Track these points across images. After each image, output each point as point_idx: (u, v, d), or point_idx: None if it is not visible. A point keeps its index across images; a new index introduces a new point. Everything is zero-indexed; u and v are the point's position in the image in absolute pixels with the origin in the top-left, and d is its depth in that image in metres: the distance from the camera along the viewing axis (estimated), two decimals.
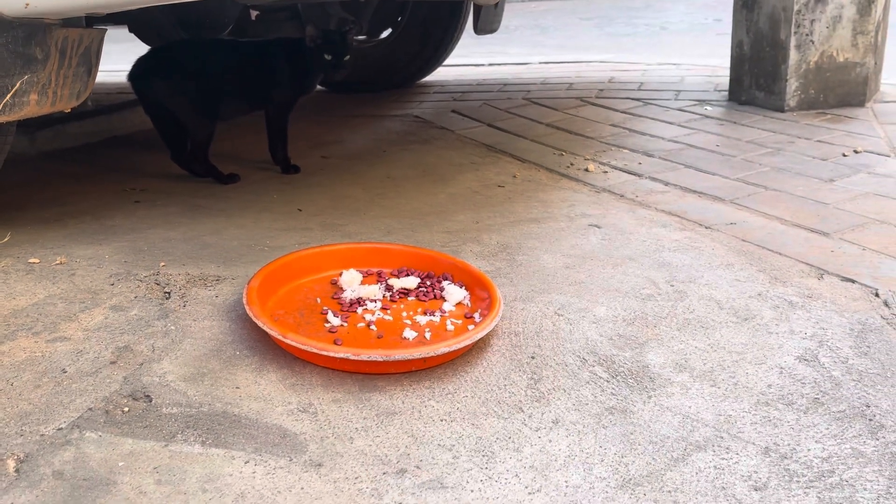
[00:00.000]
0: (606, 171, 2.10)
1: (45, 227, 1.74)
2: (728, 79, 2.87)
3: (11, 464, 0.94)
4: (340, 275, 1.41)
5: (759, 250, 1.55)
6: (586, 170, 2.11)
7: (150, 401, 1.07)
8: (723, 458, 0.94)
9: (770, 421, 1.01)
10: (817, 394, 1.07)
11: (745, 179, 1.98)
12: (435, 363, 1.15)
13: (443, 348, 1.12)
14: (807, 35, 2.54)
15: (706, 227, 1.68)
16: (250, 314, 1.20)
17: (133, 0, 1.48)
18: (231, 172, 2.09)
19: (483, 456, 0.96)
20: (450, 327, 1.25)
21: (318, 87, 2.48)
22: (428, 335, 1.22)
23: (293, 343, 1.13)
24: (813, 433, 0.99)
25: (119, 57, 2.86)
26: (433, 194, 1.95)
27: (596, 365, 1.15)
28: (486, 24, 2.92)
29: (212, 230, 1.71)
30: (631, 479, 0.91)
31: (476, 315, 1.28)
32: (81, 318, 1.30)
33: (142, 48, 2.22)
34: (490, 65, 4.04)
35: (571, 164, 2.17)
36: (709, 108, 2.74)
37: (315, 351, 1.11)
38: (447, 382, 1.11)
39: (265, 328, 1.17)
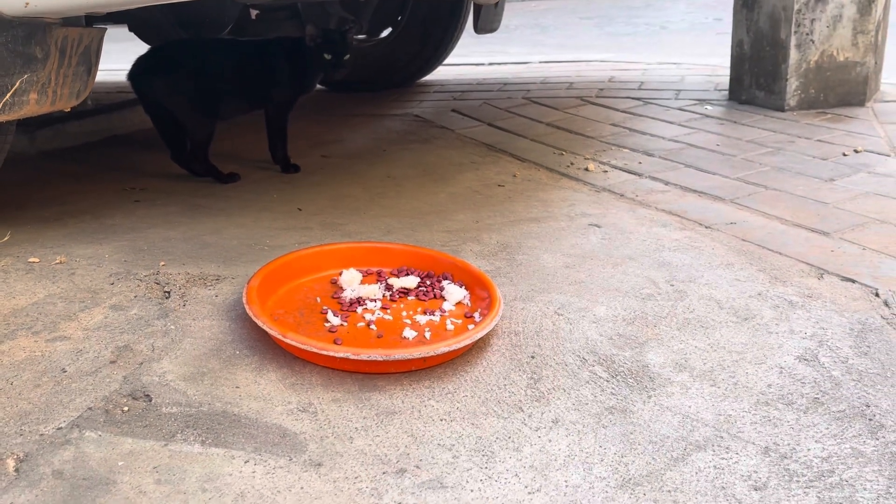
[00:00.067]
0: (606, 171, 2.10)
1: (45, 227, 1.74)
2: (728, 78, 2.87)
3: (11, 463, 0.94)
4: (340, 274, 1.40)
5: (759, 250, 1.55)
6: (586, 169, 2.11)
7: (150, 400, 1.07)
8: (723, 458, 0.94)
9: (770, 421, 1.01)
10: (817, 394, 1.07)
11: (745, 179, 1.98)
12: (435, 363, 1.15)
13: (443, 348, 1.12)
14: (807, 34, 2.54)
15: (706, 227, 1.68)
16: (250, 313, 1.20)
17: None
18: (231, 172, 2.09)
19: (483, 455, 0.96)
20: (450, 327, 1.25)
21: (318, 86, 2.48)
22: (428, 335, 1.22)
23: (293, 342, 1.13)
24: (813, 433, 0.99)
25: (119, 56, 2.86)
26: (433, 193, 1.95)
27: (596, 364, 1.15)
28: (486, 23, 2.92)
29: (212, 229, 1.71)
30: (631, 479, 0.91)
31: (476, 315, 1.28)
32: (81, 318, 1.30)
33: (141, 47, 2.22)
34: (490, 64, 4.04)
35: (571, 164, 2.17)
36: (709, 107, 2.74)
37: (315, 350, 1.11)
38: (447, 382, 1.11)
39: (265, 328, 1.17)
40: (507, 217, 1.77)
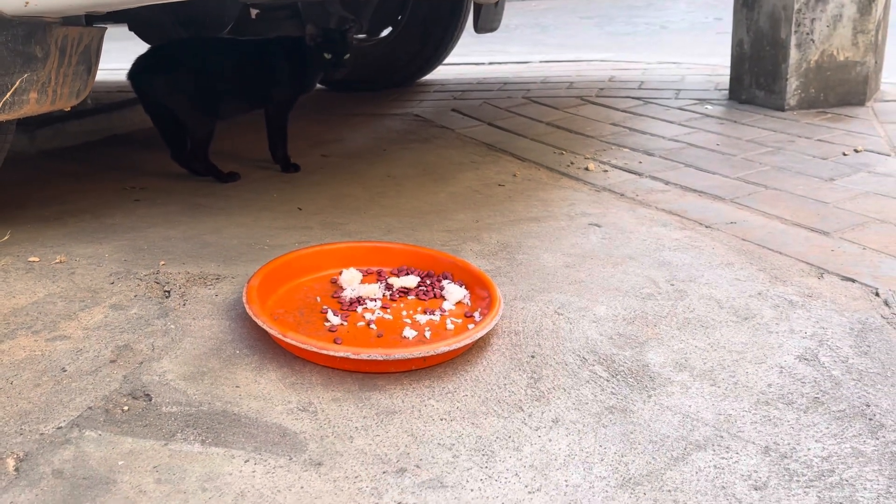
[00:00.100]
0: (607, 170, 2.10)
1: (45, 226, 1.74)
2: (728, 78, 2.87)
3: (11, 463, 0.94)
4: (340, 274, 1.40)
5: (759, 249, 1.55)
6: (586, 169, 2.11)
7: (150, 400, 1.07)
8: (723, 458, 0.94)
9: (770, 420, 1.01)
10: (817, 393, 1.07)
11: (745, 178, 1.98)
12: (435, 362, 1.15)
13: (443, 347, 1.12)
14: (807, 34, 2.54)
15: (706, 227, 1.68)
16: (250, 313, 1.20)
17: None
18: (231, 171, 2.09)
19: (483, 455, 0.96)
20: (450, 326, 1.25)
21: (318, 85, 2.48)
22: (428, 334, 1.22)
23: (293, 342, 1.13)
24: (813, 432, 0.99)
25: (119, 55, 2.86)
26: (433, 193, 1.95)
27: (596, 364, 1.15)
28: (487, 22, 2.92)
29: (212, 229, 1.71)
30: (631, 479, 0.91)
31: (476, 314, 1.28)
32: (81, 317, 1.30)
33: (141, 46, 2.21)
34: (490, 63, 4.04)
35: (572, 163, 2.17)
36: (709, 107, 2.74)
37: (315, 350, 1.11)
38: (447, 381, 1.11)
39: (265, 327, 1.17)
40: (508, 216, 1.77)
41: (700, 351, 1.18)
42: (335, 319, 1.26)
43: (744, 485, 0.90)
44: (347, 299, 1.33)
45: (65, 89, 1.49)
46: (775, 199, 1.82)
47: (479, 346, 1.20)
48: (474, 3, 2.86)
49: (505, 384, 1.10)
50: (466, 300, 1.33)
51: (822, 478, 0.91)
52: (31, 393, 1.08)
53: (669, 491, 0.89)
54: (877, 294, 1.34)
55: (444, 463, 0.94)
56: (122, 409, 1.05)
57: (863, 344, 1.19)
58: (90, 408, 1.05)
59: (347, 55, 2.03)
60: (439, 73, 3.62)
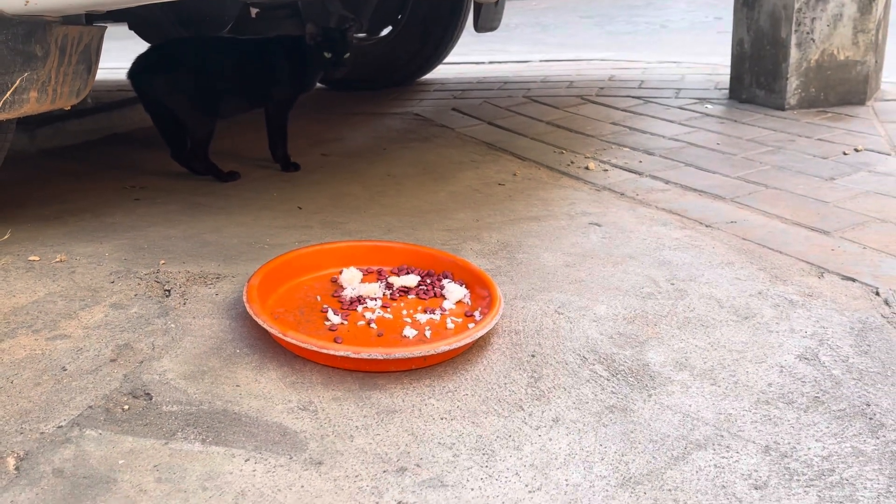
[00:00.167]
0: (607, 170, 2.10)
1: (45, 225, 1.74)
2: (728, 77, 2.87)
3: (11, 462, 0.94)
4: (341, 273, 1.40)
5: (759, 249, 1.55)
6: (587, 168, 2.11)
7: (151, 399, 1.07)
8: (723, 457, 0.94)
9: (770, 419, 1.01)
10: (818, 392, 1.07)
11: (745, 178, 1.98)
12: (435, 361, 1.15)
13: (443, 346, 1.12)
14: (807, 33, 2.54)
15: (706, 226, 1.68)
16: (250, 312, 1.20)
17: None
18: (231, 170, 2.09)
19: (483, 454, 0.96)
20: (450, 325, 1.25)
21: (318, 84, 2.48)
22: (428, 333, 1.22)
23: (293, 341, 1.13)
24: (813, 432, 0.99)
25: (119, 54, 2.86)
26: (433, 192, 1.95)
27: (596, 363, 1.15)
28: (487, 21, 2.92)
29: (212, 228, 1.71)
30: (631, 478, 0.91)
31: (476, 313, 1.28)
32: (81, 316, 1.30)
33: (141, 46, 2.21)
34: (490, 63, 4.04)
35: (572, 163, 2.16)
36: (709, 106, 2.74)
37: (315, 349, 1.11)
38: (447, 381, 1.11)
39: (265, 326, 1.17)
40: (508, 216, 1.77)
41: (700, 350, 1.18)
42: (335, 318, 1.26)
43: (744, 484, 0.90)
44: (348, 298, 1.33)
45: (65, 88, 1.49)
46: (775, 198, 1.82)
47: (479, 345, 1.20)
48: (474, 2, 2.86)
49: (505, 383, 1.10)
50: (467, 299, 1.33)
51: (823, 477, 0.91)
52: (32, 392, 1.08)
53: (670, 490, 0.89)
54: (877, 293, 1.34)
55: (444, 462, 0.94)
56: (123, 408, 1.05)
57: (863, 343, 1.19)
58: (90, 407, 1.05)
59: (347, 54, 2.03)
60: (439, 73, 3.61)
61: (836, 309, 1.29)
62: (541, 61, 3.98)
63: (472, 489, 0.90)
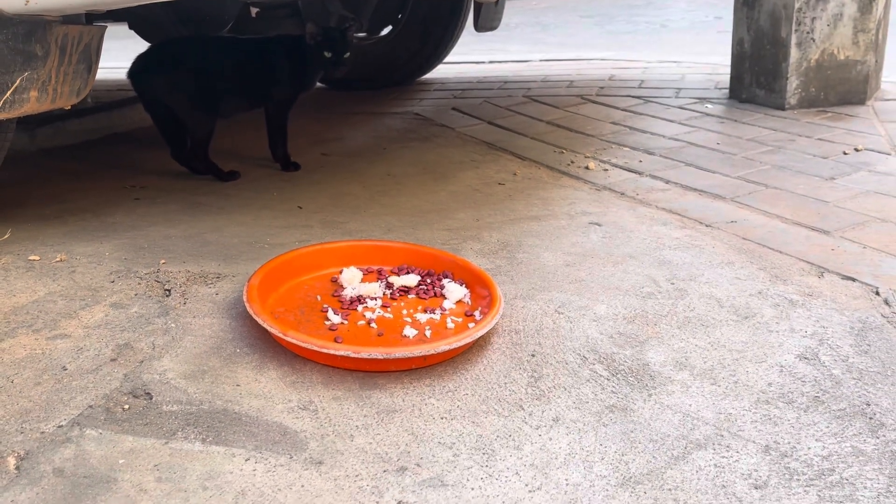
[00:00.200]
0: (607, 169, 2.10)
1: (46, 225, 1.74)
2: (729, 77, 2.87)
3: (12, 461, 0.94)
4: (341, 272, 1.41)
5: (759, 248, 1.55)
6: (587, 168, 2.11)
7: (151, 398, 1.07)
8: (723, 457, 0.94)
9: (770, 419, 1.01)
10: (818, 392, 1.07)
11: (745, 177, 1.98)
12: (435, 361, 1.15)
13: (443, 346, 1.12)
14: (808, 33, 2.54)
15: (707, 226, 1.68)
16: (251, 312, 1.20)
17: None
18: (231, 170, 2.09)
19: (483, 454, 0.96)
20: (450, 325, 1.25)
21: (319, 84, 2.48)
22: (428, 333, 1.22)
23: (294, 341, 1.13)
24: (813, 431, 0.99)
25: (119, 54, 2.86)
26: (434, 192, 1.95)
27: (596, 363, 1.15)
28: (487, 21, 2.92)
29: (212, 227, 1.71)
30: (631, 478, 0.91)
31: (476, 313, 1.28)
32: (82, 316, 1.30)
33: (141, 45, 2.21)
34: (490, 62, 4.04)
35: (572, 162, 2.17)
36: (709, 105, 2.74)
37: (315, 349, 1.11)
38: (447, 380, 1.11)
39: (265, 326, 1.17)
40: (508, 215, 1.77)
41: (700, 350, 1.18)
42: (336, 318, 1.26)
43: (744, 484, 0.90)
44: (348, 298, 1.33)
45: (65, 88, 1.49)
46: (776, 198, 1.82)
47: (479, 344, 1.20)
48: (475, 1, 2.86)
49: (505, 383, 1.10)
50: (467, 299, 1.33)
51: (823, 477, 0.91)
52: (32, 391, 1.08)
53: (670, 490, 0.89)
54: (877, 293, 1.34)
55: (444, 462, 0.94)
56: (123, 408, 1.05)
57: (863, 343, 1.19)
58: (91, 406, 1.05)
59: (347, 54, 2.03)
60: (439, 72, 3.61)
61: (836, 308, 1.29)
62: (541, 61, 3.98)
63: (473, 489, 0.90)
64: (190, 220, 1.76)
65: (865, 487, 0.89)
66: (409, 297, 1.35)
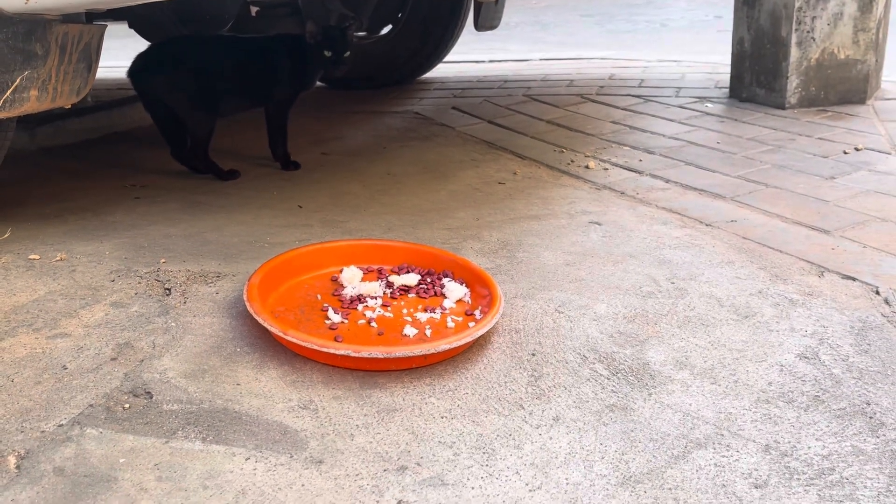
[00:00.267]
0: (607, 169, 2.10)
1: (46, 224, 1.74)
2: (729, 76, 2.87)
3: (12, 460, 0.94)
4: (341, 271, 1.41)
5: (759, 248, 1.55)
6: (587, 167, 2.11)
7: (151, 397, 1.07)
8: (723, 456, 0.94)
9: (770, 418, 1.01)
10: (818, 391, 1.07)
11: (745, 177, 1.98)
12: (435, 360, 1.15)
13: (443, 345, 1.12)
14: (808, 32, 2.54)
15: (707, 225, 1.68)
16: (251, 311, 1.20)
17: None
18: (231, 169, 2.09)
19: (483, 453, 0.96)
20: (450, 324, 1.25)
21: (318, 83, 2.48)
22: (428, 332, 1.22)
23: (294, 340, 1.13)
24: (813, 431, 0.99)
25: (119, 53, 2.86)
26: (434, 191, 1.95)
27: (596, 362, 1.15)
28: (487, 20, 2.92)
29: (212, 227, 1.71)
30: (631, 477, 0.91)
31: (477, 312, 1.28)
32: (82, 315, 1.30)
33: (141, 44, 2.21)
34: (490, 61, 4.04)
35: (572, 161, 2.16)
36: (709, 105, 2.74)
37: (316, 348, 1.11)
38: (448, 379, 1.11)
39: (266, 325, 1.17)
40: (508, 215, 1.77)
41: (700, 349, 1.18)
42: (336, 317, 1.26)
43: (744, 483, 0.90)
44: (348, 297, 1.33)
45: (65, 87, 1.49)
46: (776, 197, 1.82)
47: (479, 343, 1.20)
48: (475, 1, 2.86)
49: (506, 382, 1.10)
50: (467, 298, 1.33)
51: (823, 476, 0.91)
52: (32, 391, 1.08)
53: (670, 489, 0.89)
54: (877, 292, 1.34)
55: (444, 461, 0.94)
56: (123, 407, 1.05)
57: (863, 342, 1.19)
58: (91, 405, 1.05)
59: (347, 53, 2.03)
60: (439, 71, 3.61)
61: (836, 308, 1.29)
62: (541, 60, 3.98)
63: (473, 488, 0.90)
64: (190, 219, 1.76)
65: (865, 487, 0.89)
66: (410, 296, 1.35)
